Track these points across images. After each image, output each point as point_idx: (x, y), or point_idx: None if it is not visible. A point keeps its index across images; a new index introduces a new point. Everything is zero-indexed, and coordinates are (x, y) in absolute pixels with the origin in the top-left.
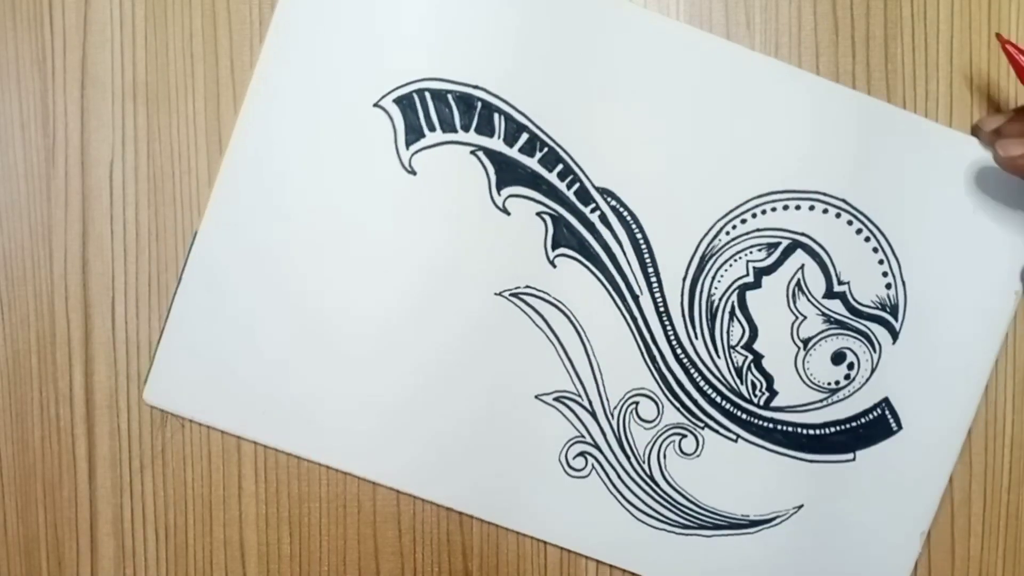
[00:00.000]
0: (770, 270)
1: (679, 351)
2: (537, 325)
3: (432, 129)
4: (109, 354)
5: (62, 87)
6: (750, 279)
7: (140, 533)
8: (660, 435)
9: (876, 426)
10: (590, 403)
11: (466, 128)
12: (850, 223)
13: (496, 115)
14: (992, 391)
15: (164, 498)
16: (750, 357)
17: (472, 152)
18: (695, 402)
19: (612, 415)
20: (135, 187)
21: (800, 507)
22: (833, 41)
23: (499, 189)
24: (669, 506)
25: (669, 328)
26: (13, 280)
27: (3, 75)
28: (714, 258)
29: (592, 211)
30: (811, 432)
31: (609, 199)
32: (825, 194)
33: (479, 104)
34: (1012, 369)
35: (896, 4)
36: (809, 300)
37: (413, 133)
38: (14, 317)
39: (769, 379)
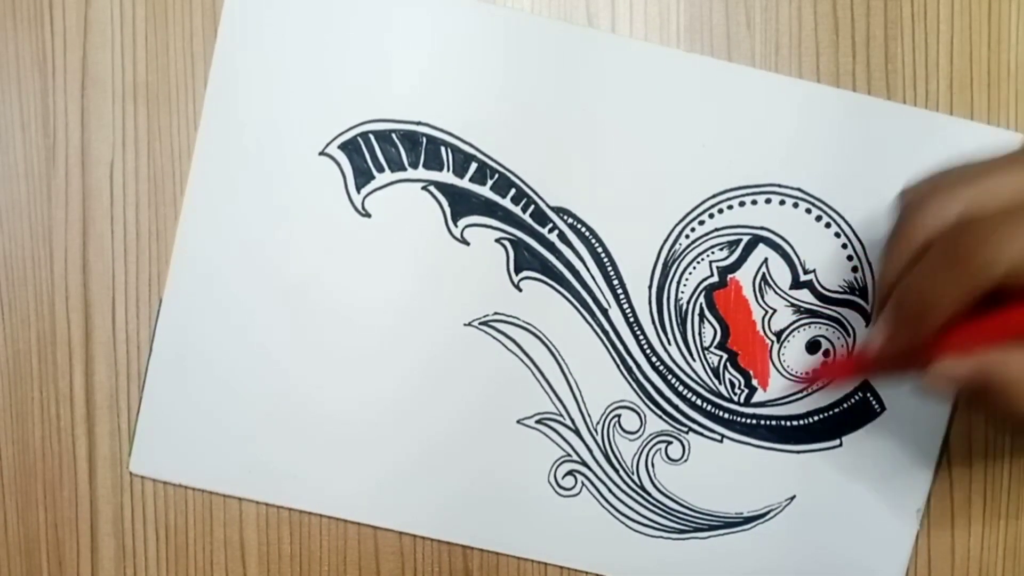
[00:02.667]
0: (734, 267)
1: (654, 359)
2: (510, 351)
3: (381, 170)
4: (109, 354)
5: (62, 87)
6: (715, 279)
7: (140, 533)
8: (646, 444)
9: (859, 410)
10: (572, 421)
11: (414, 165)
12: (808, 211)
13: (443, 148)
14: None
15: (164, 498)
16: (725, 356)
17: (423, 187)
18: (676, 408)
19: (596, 431)
20: (135, 187)
21: (792, 498)
22: (833, 41)
23: (455, 221)
24: (663, 513)
25: (641, 337)
26: (13, 280)
27: (3, 75)
28: (677, 262)
29: (550, 231)
30: (795, 423)
31: (566, 217)
32: (780, 185)
33: (424, 139)
34: None
35: (896, 4)
36: (777, 292)
37: (362, 176)
38: (14, 317)
39: (747, 376)
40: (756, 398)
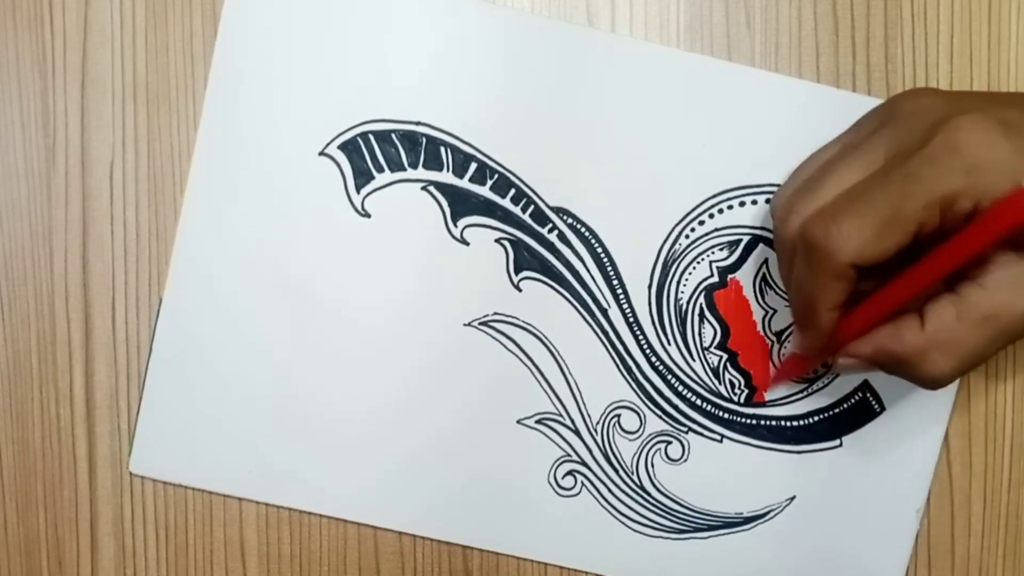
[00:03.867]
0: (734, 267)
1: (654, 359)
2: (510, 351)
3: (380, 170)
4: (109, 354)
5: (62, 87)
6: (715, 279)
7: (140, 533)
8: (645, 444)
9: (859, 410)
10: (572, 422)
11: (414, 165)
12: None
13: (442, 148)
14: (992, 391)
15: (164, 498)
16: (725, 356)
17: (423, 188)
18: (676, 408)
19: (596, 431)
20: (135, 187)
21: (792, 498)
22: (833, 41)
23: (455, 221)
24: (663, 513)
25: (641, 337)
26: (13, 280)
27: (3, 75)
28: (677, 262)
29: (550, 231)
30: (795, 423)
31: (565, 217)
32: (779, 185)
33: (424, 140)
34: (1011, 369)
35: (896, 4)
36: (777, 293)
37: (362, 176)
38: (14, 317)
39: (747, 376)
40: (756, 398)
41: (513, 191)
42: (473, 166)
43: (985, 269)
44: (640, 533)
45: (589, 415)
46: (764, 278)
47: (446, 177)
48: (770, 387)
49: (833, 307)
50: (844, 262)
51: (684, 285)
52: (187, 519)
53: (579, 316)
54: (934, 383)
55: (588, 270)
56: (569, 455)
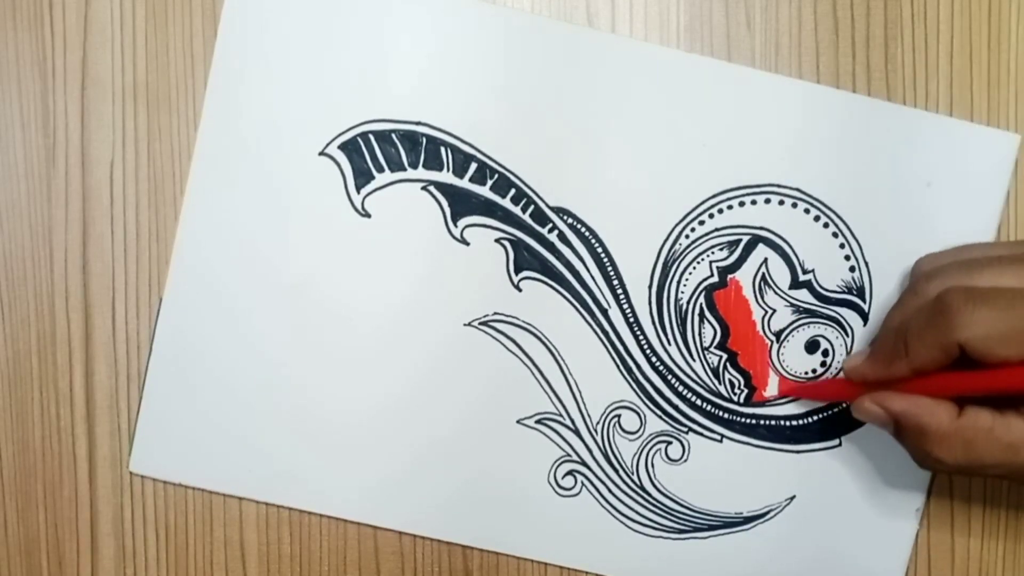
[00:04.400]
0: (734, 267)
1: (654, 359)
2: (510, 351)
3: (380, 170)
4: (109, 354)
5: (62, 87)
6: (715, 279)
7: (140, 533)
8: (646, 445)
9: None
10: (572, 422)
11: (414, 165)
12: (807, 211)
13: (442, 148)
14: None
15: (164, 498)
16: (725, 356)
17: (423, 188)
18: (676, 408)
19: (596, 431)
20: (135, 187)
21: (792, 498)
22: (833, 41)
23: (455, 221)
24: (663, 513)
25: (641, 337)
26: (13, 280)
27: (3, 75)
28: (677, 262)
29: (550, 231)
30: (795, 423)
31: (566, 217)
32: (779, 185)
33: (424, 140)
34: None
35: (896, 4)
36: (776, 292)
37: (362, 176)
38: (14, 317)
39: (746, 376)
40: (756, 398)
41: (513, 191)
42: (473, 166)
43: None
44: (640, 533)
45: (589, 415)
46: (764, 278)
47: (446, 177)
48: (785, 393)
49: (919, 368)
50: (959, 340)
51: (684, 285)
52: (187, 519)
53: (579, 316)
54: (936, 466)
55: (588, 270)
56: (569, 455)
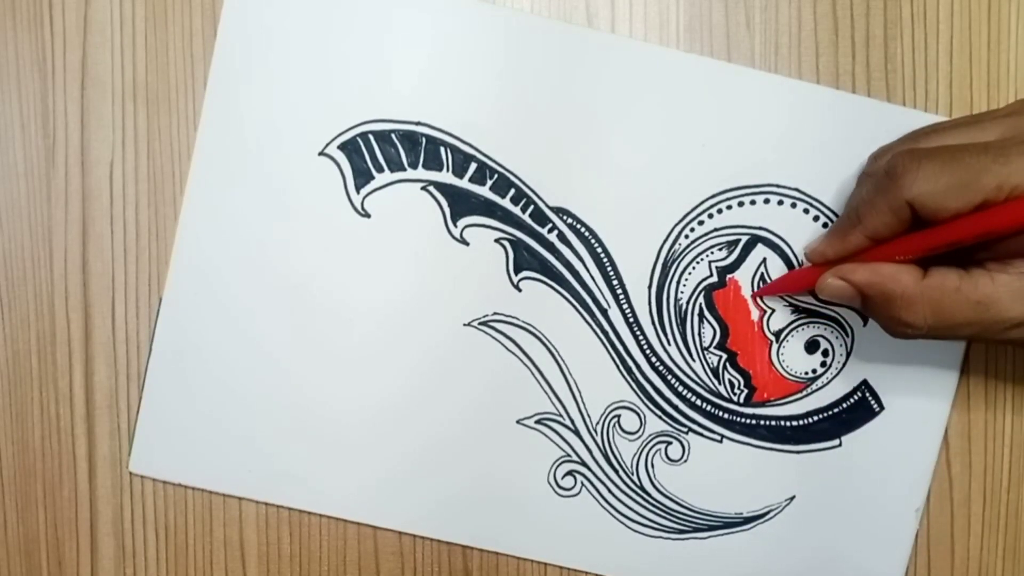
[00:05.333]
0: (733, 267)
1: (654, 359)
2: (510, 351)
3: (380, 170)
4: (109, 354)
5: (62, 87)
6: (714, 279)
7: (140, 533)
8: (645, 445)
9: (858, 409)
10: (572, 422)
11: (414, 165)
12: (806, 211)
13: (442, 148)
14: (992, 391)
15: (164, 498)
16: (724, 356)
17: (423, 188)
18: (676, 408)
19: (595, 431)
20: (135, 187)
21: (792, 498)
22: (833, 41)
23: (455, 221)
24: (663, 514)
25: (641, 337)
26: (13, 280)
27: (3, 75)
28: (676, 262)
29: (550, 231)
30: (795, 423)
31: (565, 217)
32: (778, 185)
33: (423, 140)
34: (1011, 369)
35: (896, 4)
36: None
37: (362, 176)
38: (14, 317)
39: (746, 376)
40: (755, 398)
41: (513, 191)
42: (473, 166)
43: (1002, 267)
44: (640, 533)
45: (589, 415)
46: (763, 278)
47: (446, 177)
48: (768, 293)
49: (873, 234)
50: (906, 197)
51: (684, 285)
52: (187, 519)
53: (579, 316)
54: (906, 331)
55: (588, 270)
56: (569, 455)
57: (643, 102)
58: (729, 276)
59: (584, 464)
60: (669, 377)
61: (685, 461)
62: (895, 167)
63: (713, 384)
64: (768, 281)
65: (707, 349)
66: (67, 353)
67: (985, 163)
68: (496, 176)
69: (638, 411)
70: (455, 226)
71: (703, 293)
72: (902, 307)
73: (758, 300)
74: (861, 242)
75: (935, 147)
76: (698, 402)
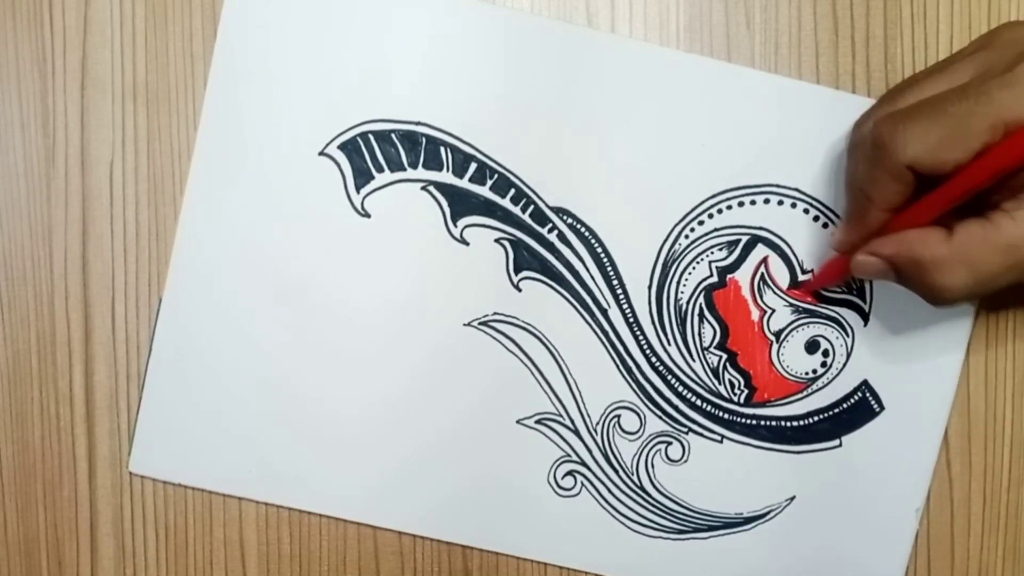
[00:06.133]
0: (733, 267)
1: (654, 359)
2: (510, 351)
3: (380, 170)
4: (109, 354)
5: (62, 87)
6: (715, 279)
7: (140, 533)
8: (645, 445)
9: (858, 410)
10: (572, 422)
11: (414, 165)
12: (807, 211)
13: (442, 148)
14: (992, 391)
15: (164, 498)
16: (724, 356)
17: (423, 188)
18: (676, 408)
19: (595, 431)
20: (135, 187)
21: (792, 498)
22: (833, 41)
23: (455, 221)
24: (663, 514)
25: (641, 337)
26: (13, 280)
27: (3, 75)
28: (676, 262)
29: (550, 231)
30: (795, 424)
31: (565, 217)
32: (778, 185)
33: (424, 140)
34: (1011, 369)
35: (896, 4)
36: (775, 292)
37: (362, 176)
38: (14, 317)
39: (746, 376)
40: (756, 398)
41: (513, 191)
42: (473, 166)
43: (1019, 204)
44: (640, 533)
45: (589, 415)
46: (763, 278)
47: (446, 177)
48: (809, 289)
49: (887, 207)
50: (903, 162)
51: (684, 285)
52: (187, 519)
53: (579, 316)
54: (946, 295)
55: (588, 270)
56: (569, 455)
57: (643, 102)
58: (729, 276)
59: (584, 464)
60: (669, 377)
61: (685, 461)
62: (880, 136)
63: (713, 384)
64: (769, 281)
65: (707, 349)
66: (67, 353)
67: (969, 108)
68: (496, 176)
69: (638, 411)
70: (455, 226)
71: (703, 293)
72: (936, 270)
73: (759, 300)
74: (879, 217)
75: (914, 104)
76: (698, 402)
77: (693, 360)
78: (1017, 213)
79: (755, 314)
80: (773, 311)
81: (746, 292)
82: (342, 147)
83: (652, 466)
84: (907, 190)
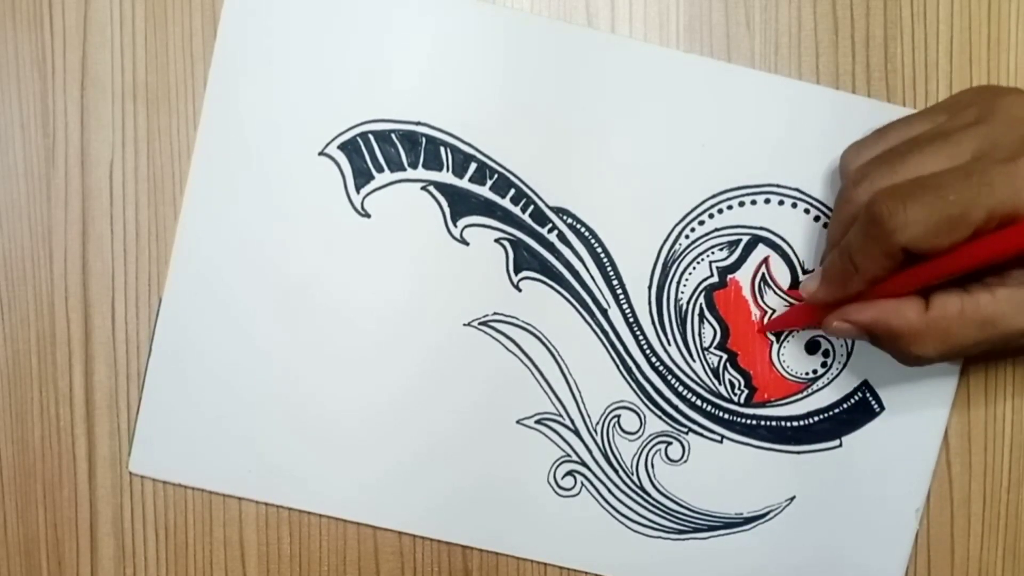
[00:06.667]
0: (734, 267)
1: (654, 359)
2: (510, 351)
3: (380, 170)
4: (109, 354)
5: (62, 87)
6: (715, 279)
7: (140, 533)
8: (645, 445)
9: (858, 410)
10: (572, 422)
11: (414, 165)
12: (807, 211)
13: (442, 148)
14: (992, 391)
15: (164, 498)
16: (725, 357)
17: (423, 188)
18: (676, 408)
19: (595, 431)
20: (135, 187)
21: (792, 498)
22: (833, 41)
23: (455, 221)
24: (663, 514)
25: (641, 337)
26: (13, 280)
27: (3, 75)
28: (677, 262)
29: (550, 231)
30: (795, 424)
31: (565, 217)
32: (779, 186)
33: (423, 140)
34: (1011, 369)
35: (896, 4)
36: (776, 293)
37: (362, 176)
38: (14, 317)
39: (747, 376)
40: (756, 398)
41: (513, 191)
42: (473, 166)
43: (1000, 280)
44: (640, 533)
45: (589, 415)
46: (763, 278)
47: (446, 177)
48: (770, 328)
49: (872, 279)
50: (900, 244)
51: (684, 285)
52: (187, 519)
53: (579, 316)
54: (919, 361)
55: (588, 270)
56: (569, 455)
57: (643, 102)
58: (730, 276)
59: (584, 464)
60: (669, 377)
61: (685, 461)
62: (880, 214)
63: (713, 384)
64: (769, 282)
65: (707, 349)
66: (67, 353)
67: (971, 196)
68: (496, 176)
69: (638, 411)
70: (455, 226)
71: (704, 293)
72: (911, 341)
73: (760, 301)
74: (861, 288)
75: (915, 183)
76: (698, 402)
77: (693, 360)
78: (998, 290)
79: (756, 314)
80: (774, 311)
81: (747, 292)
82: (342, 147)
83: (652, 466)
84: (895, 266)
